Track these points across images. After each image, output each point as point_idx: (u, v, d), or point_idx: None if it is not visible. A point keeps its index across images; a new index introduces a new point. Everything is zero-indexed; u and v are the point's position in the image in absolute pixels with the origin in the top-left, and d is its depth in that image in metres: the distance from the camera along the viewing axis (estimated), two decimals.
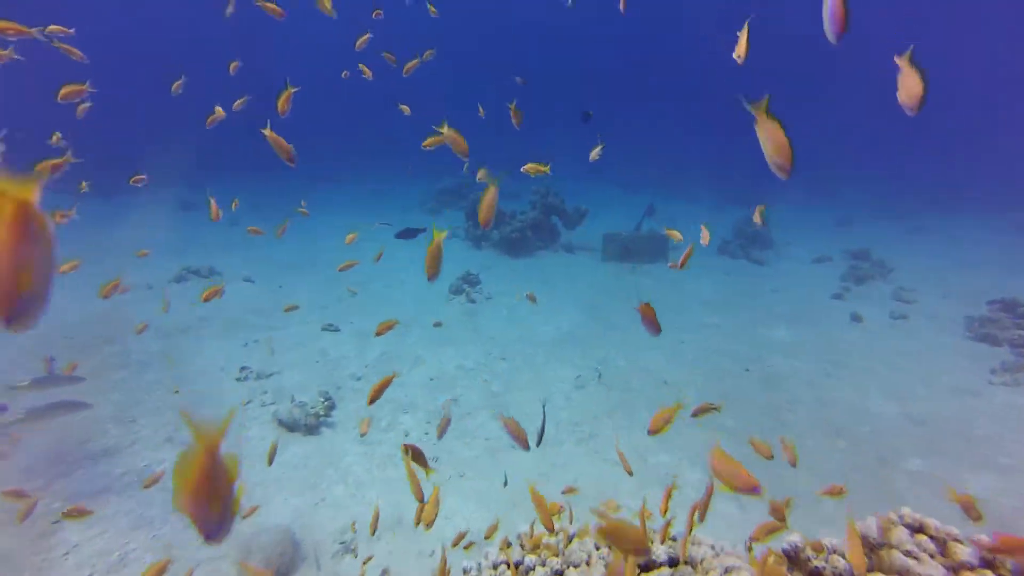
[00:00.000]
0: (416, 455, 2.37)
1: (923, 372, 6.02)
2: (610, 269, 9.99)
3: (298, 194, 20.31)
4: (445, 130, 3.41)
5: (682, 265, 4.02)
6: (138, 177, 5.79)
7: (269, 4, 4.41)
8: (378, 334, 3.64)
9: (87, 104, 4.70)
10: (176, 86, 5.82)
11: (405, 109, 6.67)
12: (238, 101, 5.53)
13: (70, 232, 11.06)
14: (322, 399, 4.60)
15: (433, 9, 6.30)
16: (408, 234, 5.14)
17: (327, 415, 4.54)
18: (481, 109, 5.91)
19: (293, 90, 3.68)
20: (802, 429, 4.81)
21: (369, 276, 8.84)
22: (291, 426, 4.38)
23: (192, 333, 6.01)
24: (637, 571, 1.72)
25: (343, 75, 6.73)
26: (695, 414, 3.15)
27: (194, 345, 5.74)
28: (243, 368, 5.12)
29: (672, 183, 24.17)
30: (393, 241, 11.19)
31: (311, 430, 4.38)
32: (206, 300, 4.26)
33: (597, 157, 5.28)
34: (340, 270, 5.45)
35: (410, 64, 5.60)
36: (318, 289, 8.03)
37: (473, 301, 7.53)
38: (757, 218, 4.93)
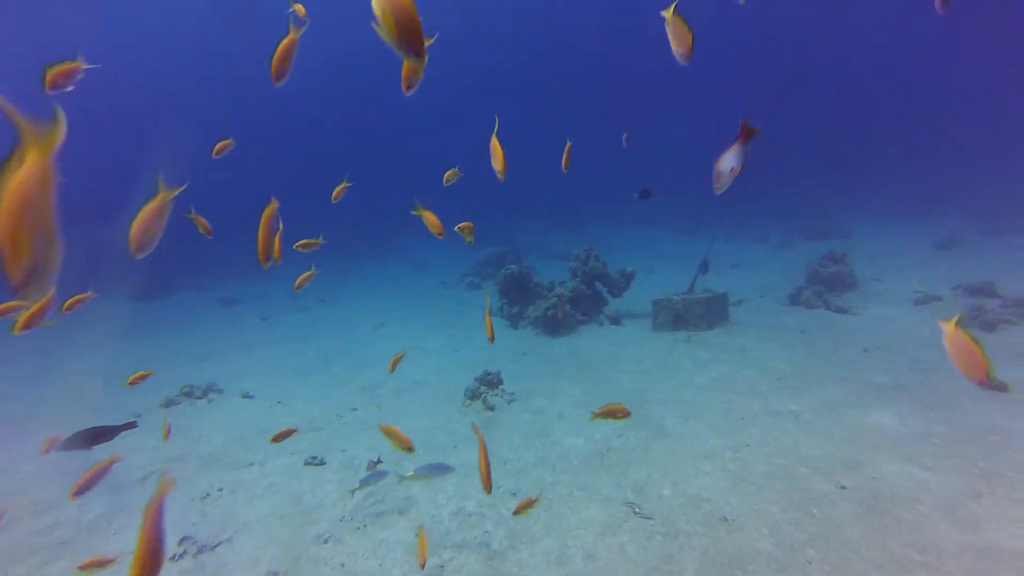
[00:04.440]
0: None
1: None
2: (662, 342, 8.57)
3: (336, 277, 20.32)
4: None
5: None
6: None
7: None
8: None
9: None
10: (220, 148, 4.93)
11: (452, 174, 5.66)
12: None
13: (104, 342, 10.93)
14: None
15: None
16: (94, 437, 3.39)
17: None
18: None
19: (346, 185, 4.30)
20: None
21: (384, 378, 7.93)
22: None
23: (152, 482, 5.20)
24: None
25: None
26: None
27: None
28: (183, 540, 4.16)
29: (735, 220, 22.30)
30: (421, 335, 10.36)
31: None
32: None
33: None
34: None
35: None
36: (321, 401, 7.16)
37: (491, 408, 6.36)
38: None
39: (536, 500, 3.96)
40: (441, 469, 4.25)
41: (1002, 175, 21.45)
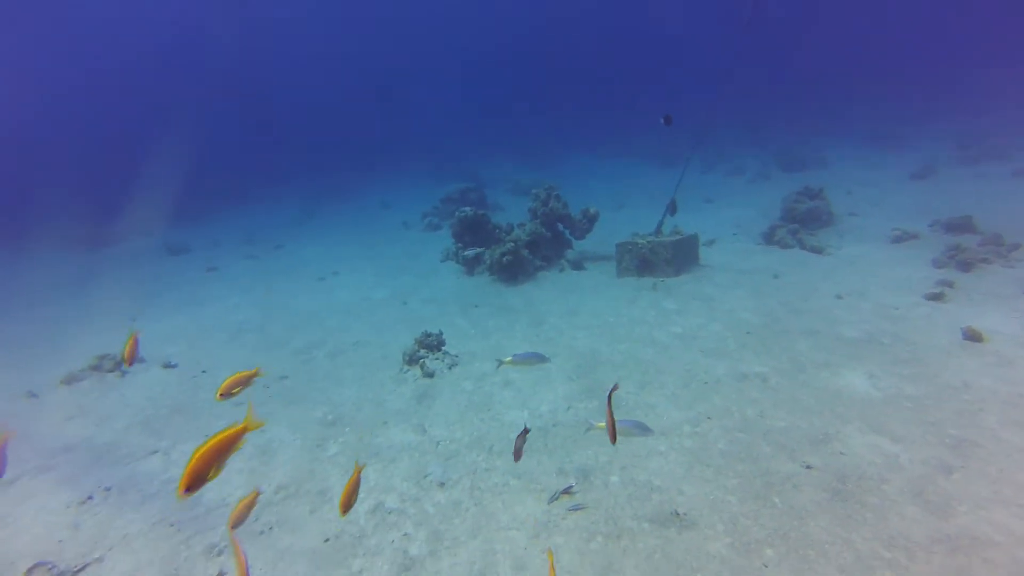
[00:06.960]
0: None
1: None
2: (625, 290, 7.96)
3: (297, 218, 19.24)
4: None
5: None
6: None
7: None
8: None
9: None
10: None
11: None
12: None
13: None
14: None
15: None
16: None
17: None
18: None
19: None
20: None
21: (322, 336, 7.25)
22: None
23: (25, 480, 4.52)
24: None
25: None
26: None
27: (10, 509, 4.22)
28: (33, 568, 3.51)
29: (711, 150, 21.20)
30: (369, 284, 9.60)
31: None
32: None
33: None
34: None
35: None
36: (251, 368, 6.47)
37: (430, 375, 5.73)
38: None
39: None
40: (536, 358, 4.25)
41: (979, 99, 20.80)
